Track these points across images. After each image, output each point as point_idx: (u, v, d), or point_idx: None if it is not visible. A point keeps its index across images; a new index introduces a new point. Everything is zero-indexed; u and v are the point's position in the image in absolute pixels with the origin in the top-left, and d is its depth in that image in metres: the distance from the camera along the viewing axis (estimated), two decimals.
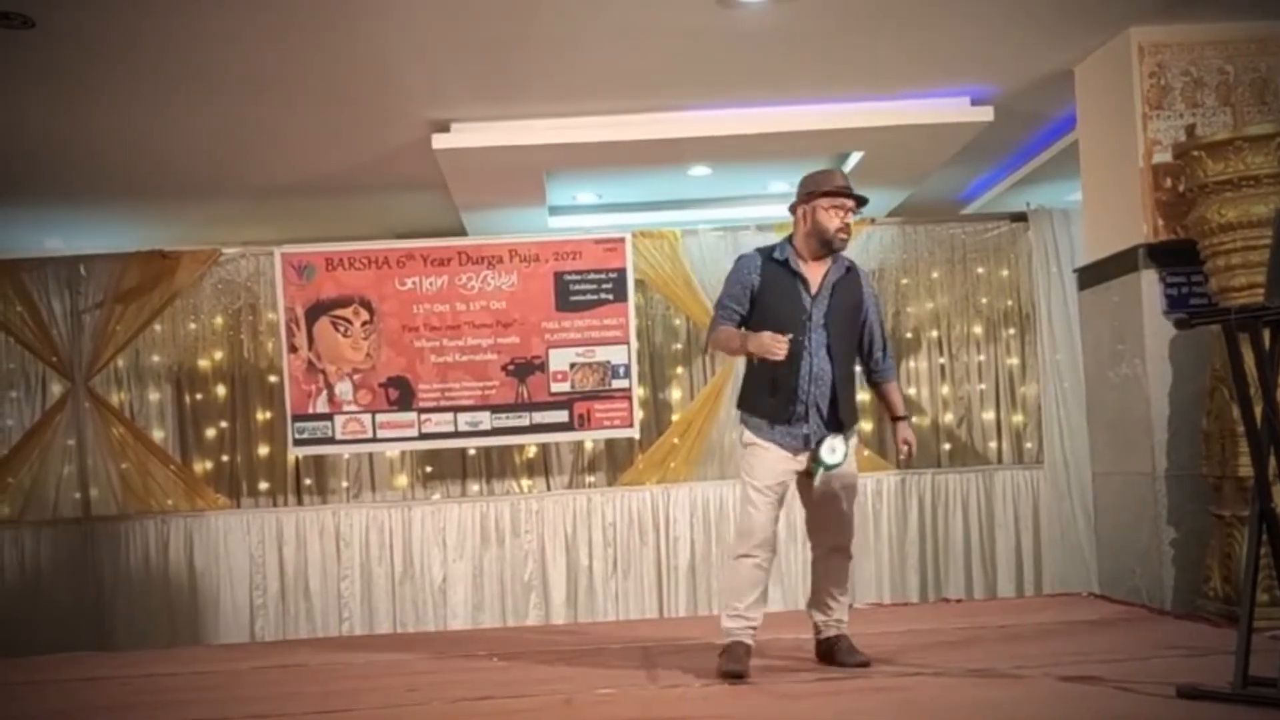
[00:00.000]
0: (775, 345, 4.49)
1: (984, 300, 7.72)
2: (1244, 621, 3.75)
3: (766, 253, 4.78)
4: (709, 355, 7.63)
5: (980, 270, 7.70)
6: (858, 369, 4.95)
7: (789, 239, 4.78)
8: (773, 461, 4.66)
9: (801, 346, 4.60)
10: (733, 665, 4.64)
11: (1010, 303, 7.70)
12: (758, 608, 4.74)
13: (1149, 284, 5.95)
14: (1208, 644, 4.86)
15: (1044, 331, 7.34)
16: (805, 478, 4.72)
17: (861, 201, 4.75)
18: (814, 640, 4.95)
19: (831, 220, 4.64)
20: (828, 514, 4.77)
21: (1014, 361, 7.71)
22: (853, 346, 4.79)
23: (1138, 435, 6.07)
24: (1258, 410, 3.88)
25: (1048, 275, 7.33)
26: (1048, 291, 7.33)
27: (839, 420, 4.65)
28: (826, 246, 4.68)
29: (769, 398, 4.66)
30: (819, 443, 4.59)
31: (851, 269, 4.81)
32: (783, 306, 4.64)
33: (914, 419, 7.75)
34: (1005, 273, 7.68)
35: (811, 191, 4.69)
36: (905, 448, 4.91)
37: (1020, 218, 7.54)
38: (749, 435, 4.73)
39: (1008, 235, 7.62)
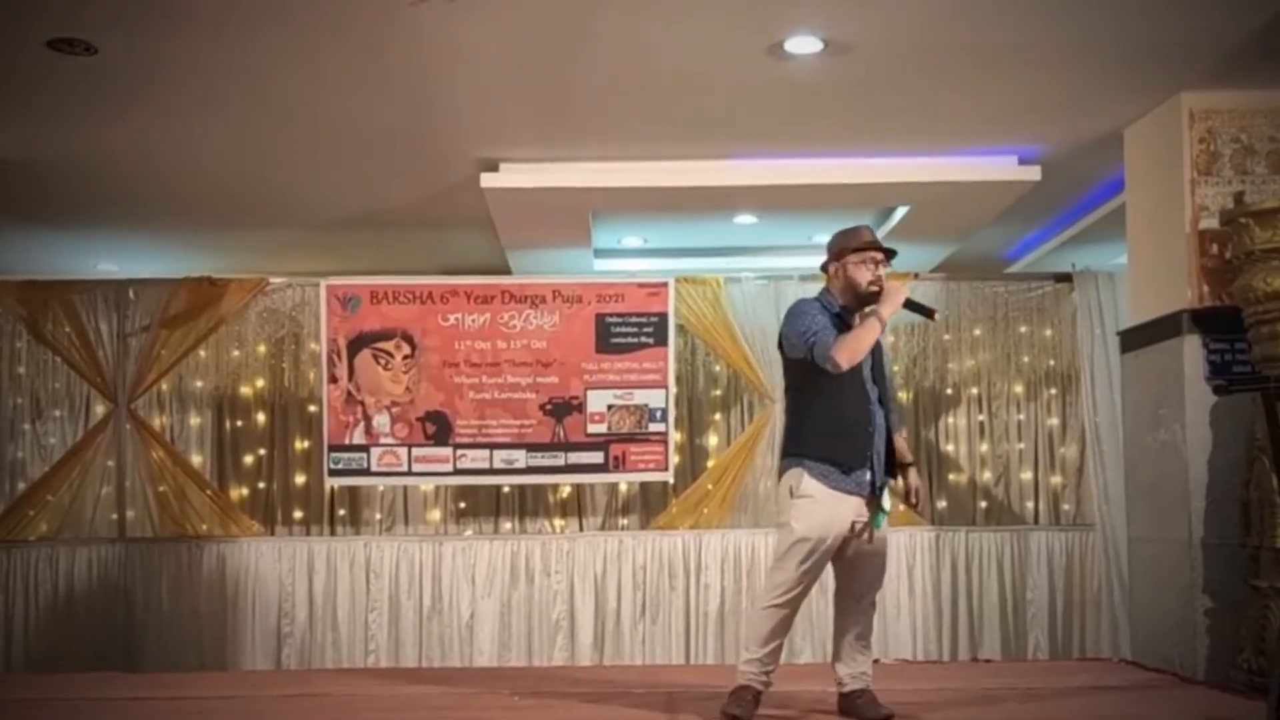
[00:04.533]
0: (901, 292, 4.67)
1: (1025, 359, 7.67)
2: (1274, 692, 3.68)
3: (819, 302, 4.84)
4: (747, 395, 7.59)
5: (1023, 329, 7.66)
6: None
7: (825, 291, 4.88)
8: (831, 515, 4.65)
9: (869, 395, 4.73)
10: (734, 708, 4.65)
11: (1052, 363, 7.64)
12: (774, 658, 4.76)
13: (1192, 349, 5.91)
14: (1237, 715, 4.79)
15: (1085, 393, 7.29)
16: (850, 531, 4.71)
17: (890, 254, 4.83)
18: (837, 694, 4.91)
19: (863, 274, 4.73)
20: (868, 567, 4.81)
21: (1054, 422, 7.64)
22: (887, 400, 4.90)
23: (1176, 501, 5.99)
24: None
25: (1091, 337, 7.28)
26: (1090, 353, 7.28)
27: (890, 466, 4.78)
28: (861, 300, 4.74)
29: (842, 444, 4.68)
30: (882, 488, 4.70)
31: None
32: None
33: (951, 476, 7.72)
34: (1048, 332, 7.63)
35: (842, 249, 4.80)
36: (916, 493, 4.91)
37: (1065, 278, 7.50)
38: (810, 484, 4.66)
39: (1052, 295, 7.58)
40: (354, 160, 6.87)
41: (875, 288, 4.73)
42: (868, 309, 4.70)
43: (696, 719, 4.90)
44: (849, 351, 4.57)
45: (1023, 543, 7.29)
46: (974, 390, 7.72)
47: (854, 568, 4.80)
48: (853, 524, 4.69)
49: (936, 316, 4.82)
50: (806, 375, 4.72)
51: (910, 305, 4.73)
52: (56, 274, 7.68)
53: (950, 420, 7.76)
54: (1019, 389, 7.67)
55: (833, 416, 4.71)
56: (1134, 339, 6.49)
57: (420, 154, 6.76)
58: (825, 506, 4.64)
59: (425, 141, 6.55)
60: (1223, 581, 5.76)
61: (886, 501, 4.67)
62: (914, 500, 4.93)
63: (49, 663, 6.89)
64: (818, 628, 7.01)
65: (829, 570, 4.88)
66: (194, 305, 7.37)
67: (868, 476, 4.68)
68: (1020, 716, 4.94)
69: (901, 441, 4.99)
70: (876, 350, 4.80)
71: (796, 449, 4.78)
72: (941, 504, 7.68)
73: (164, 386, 7.56)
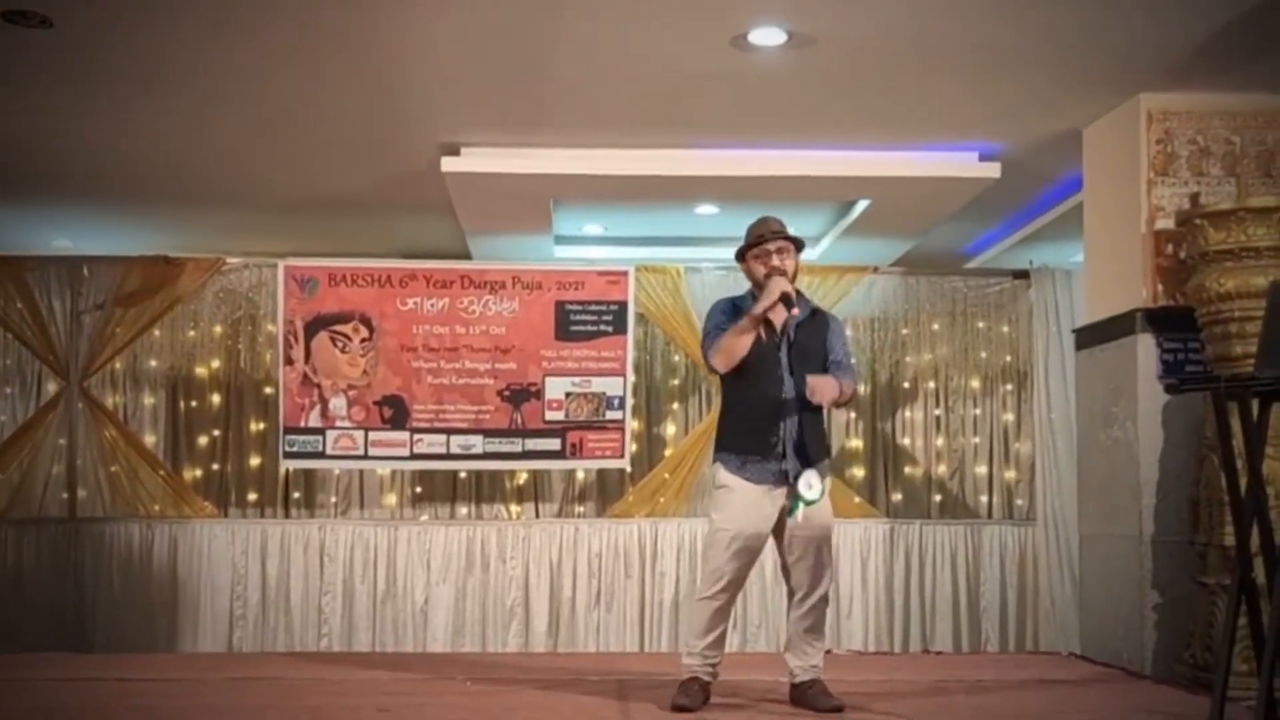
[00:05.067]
0: (782, 284, 4.66)
1: (983, 355, 7.74)
2: (1217, 689, 3.74)
3: (735, 300, 4.98)
4: (705, 384, 7.63)
5: (981, 325, 7.72)
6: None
7: (750, 291, 4.94)
8: (745, 505, 4.73)
9: (780, 385, 4.75)
10: (681, 699, 4.71)
11: (1009, 359, 7.71)
12: (717, 648, 4.83)
13: (1145, 348, 5.96)
14: (1184, 711, 4.84)
15: (1040, 389, 7.35)
16: (780, 524, 4.75)
17: (798, 244, 4.89)
18: (789, 684, 4.93)
19: (758, 268, 4.84)
20: (806, 562, 4.79)
21: (1009, 417, 7.71)
22: None
23: (1126, 499, 6.06)
24: (1243, 480, 3.88)
25: (1047, 334, 7.35)
26: (1046, 350, 7.34)
27: (808, 456, 4.73)
28: (785, 305, 4.77)
29: (746, 435, 4.77)
30: (796, 477, 4.66)
31: (817, 313, 5.00)
32: (757, 349, 4.78)
33: (907, 469, 7.77)
34: (1005, 329, 7.70)
35: (742, 246, 4.95)
36: (812, 391, 4.68)
37: (1023, 275, 7.56)
38: (723, 476, 4.81)
39: (1009, 292, 7.65)
40: (314, 141, 6.81)
41: (775, 277, 4.77)
42: (761, 301, 4.72)
43: (648, 706, 4.91)
44: (723, 354, 4.77)
45: (976, 537, 7.35)
46: (931, 385, 7.78)
47: (794, 564, 4.82)
48: (774, 521, 4.74)
49: (795, 312, 4.76)
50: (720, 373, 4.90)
51: (784, 299, 4.71)
52: (9, 250, 7.57)
53: (907, 414, 7.82)
54: (975, 384, 7.73)
55: (742, 409, 4.84)
56: (1088, 336, 6.55)
57: (381, 136, 6.71)
58: (740, 496, 4.74)
59: (387, 124, 6.51)
60: (1171, 578, 5.83)
61: (806, 489, 4.62)
62: (811, 394, 4.70)
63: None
64: (772, 616, 7.06)
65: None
66: (149, 284, 7.30)
67: (780, 466, 4.72)
68: (968, 708, 4.98)
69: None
70: (809, 338, 4.84)
71: (716, 442, 4.94)
72: (897, 497, 7.75)
73: (118, 365, 7.50)
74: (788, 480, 4.70)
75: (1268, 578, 3.80)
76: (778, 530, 4.79)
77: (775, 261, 4.80)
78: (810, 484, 4.64)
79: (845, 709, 4.74)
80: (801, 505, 4.65)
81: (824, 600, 4.87)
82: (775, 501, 4.73)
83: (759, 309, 4.71)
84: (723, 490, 4.80)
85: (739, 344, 4.74)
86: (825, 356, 4.89)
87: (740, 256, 4.96)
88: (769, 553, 4.99)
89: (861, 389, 7.75)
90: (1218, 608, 5.31)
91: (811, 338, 4.87)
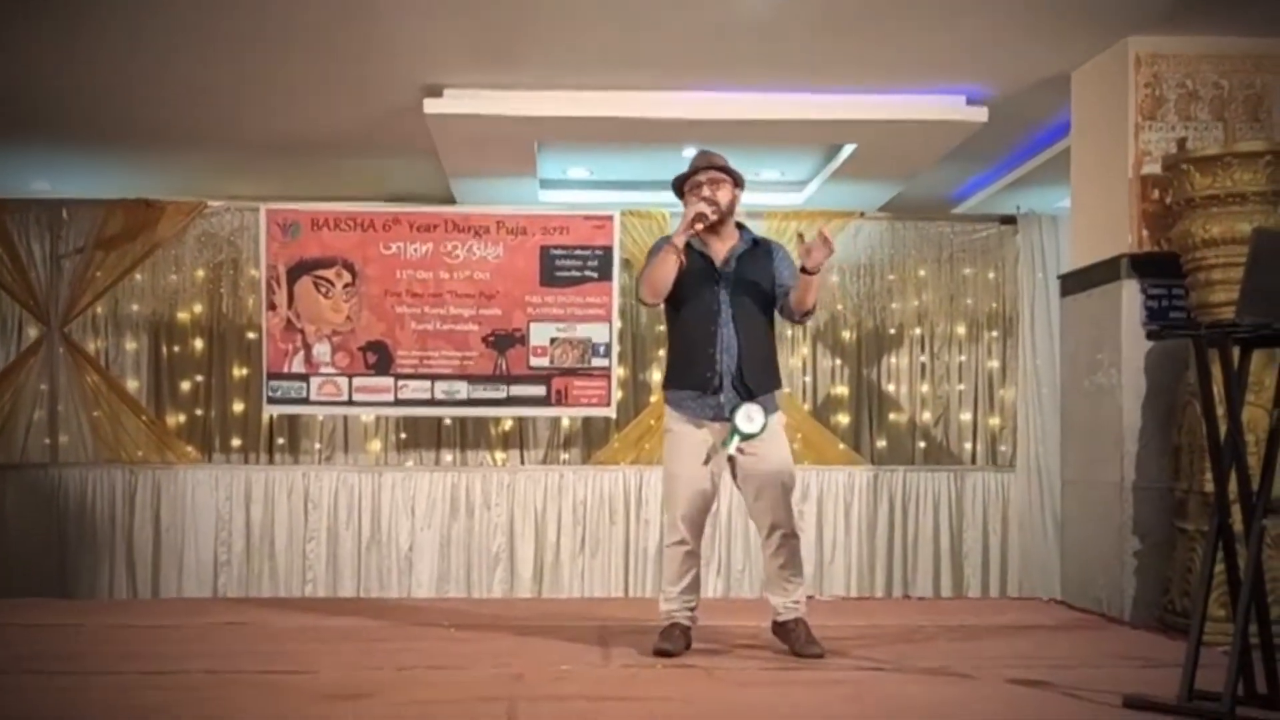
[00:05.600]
0: (696, 205, 4.70)
1: (969, 301, 7.72)
2: (1193, 634, 3.75)
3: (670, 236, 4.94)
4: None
5: (967, 271, 7.69)
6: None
7: None
8: (692, 446, 4.78)
9: (715, 317, 4.77)
10: (664, 644, 4.78)
11: (995, 305, 7.69)
12: (692, 591, 4.88)
13: (1130, 294, 5.94)
14: (1161, 656, 4.87)
15: (1026, 336, 7.34)
16: (735, 464, 4.79)
17: (733, 176, 4.91)
18: (771, 622, 4.98)
19: (693, 203, 4.82)
20: (763, 500, 4.83)
21: (994, 364, 7.71)
22: (761, 316, 4.89)
23: (1108, 445, 6.06)
24: (1223, 427, 3.87)
25: (1033, 280, 7.33)
26: (1031, 296, 7.33)
27: (748, 389, 4.74)
28: (702, 224, 4.77)
29: (688, 369, 4.81)
30: (733, 410, 4.67)
31: (760, 243, 4.98)
32: (693, 282, 4.79)
33: (891, 416, 7.77)
34: (991, 275, 7.67)
35: (675, 185, 4.99)
36: (809, 252, 4.65)
37: (1010, 221, 7.53)
38: (668, 419, 4.87)
39: (996, 238, 7.62)
40: (295, 81, 6.70)
41: (707, 208, 4.78)
42: (681, 225, 4.75)
43: (630, 651, 4.93)
44: (647, 285, 4.81)
45: (959, 483, 7.36)
46: (916, 331, 7.76)
47: (752, 502, 4.87)
48: (726, 460, 4.77)
49: (713, 214, 4.76)
50: (664, 307, 4.95)
51: (697, 217, 4.73)
52: None
53: (892, 360, 7.81)
54: (961, 330, 7.72)
55: (680, 345, 4.90)
56: (1074, 283, 6.52)
57: (363, 76, 6.60)
58: (684, 438, 4.80)
59: (368, 63, 6.40)
60: (1151, 525, 5.84)
61: (745, 422, 4.62)
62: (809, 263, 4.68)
63: None
64: (755, 562, 7.07)
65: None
66: (130, 227, 7.25)
67: (719, 399, 4.74)
68: (946, 653, 5.00)
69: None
70: (749, 269, 4.82)
71: (663, 382, 5.00)
72: (881, 443, 7.75)
73: (99, 310, 7.46)
74: (725, 415, 4.72)
75: (1244, 524, 3.81)
76: (735, 471, 4.82)
77: (706, 192, 4.81)
78: (750, 416, 4.64)
79: (827, 655, 4.78)
80: (737, 438, 4.67)
81: (790, 537, 4.88)
82: (715, 436, 4.77)
83: (677, 235, 4.72)
84: (669, 435, 4.87)
85: (659, 271, 4.74)
86: (772, 285, 4.87)
87: (678, 192, 4.97)
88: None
89: (846, 336, 7.74)
90: (1197, 554, 5.32)
91: (752, 268, 4.86)
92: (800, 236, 4.89)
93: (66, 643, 5.27)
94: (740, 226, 4.99)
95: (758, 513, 4.88)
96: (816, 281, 4.73)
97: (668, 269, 4.71)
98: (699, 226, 4.74)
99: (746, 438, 4.68)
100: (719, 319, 4.77)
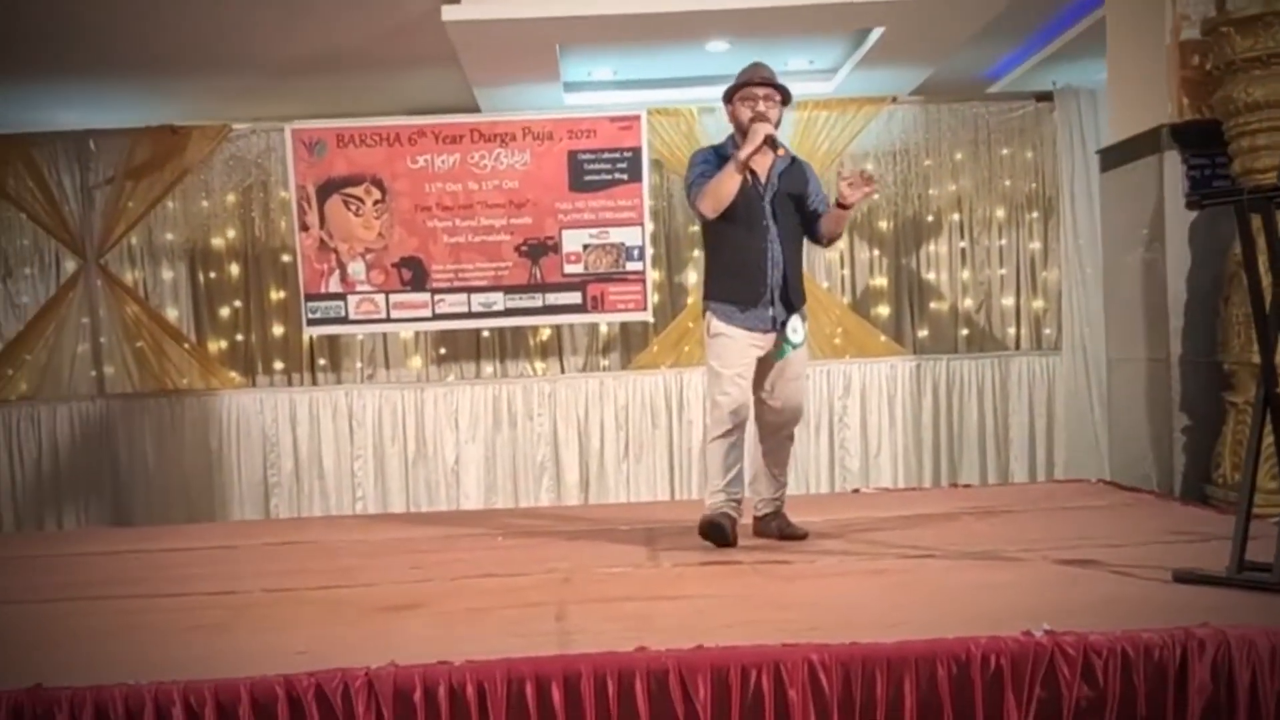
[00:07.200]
0: (764, 127, 4.65)
1: (1007, 183, 7.58)
2: (1242, 505, 3.70)
3: (716, 148, 4.95)
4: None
5: (1004, 152, 7.55)
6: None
7: (732, 136, 4.89)
8: (741, 348, 4.83)
9: (765, 233, 4.79)
10: (715, 532, 4.81)
11: (1034, 185, 7.55)
12: (738, 484, 4.91)
13: (1171, 166, 5.79)
14: (1211, 530, 4.80)
15: (1067, 215, 7.22)
16: (762, 368, 4.87)
17: (784, 93, 4.83)
18: (753, 518, 5.05)
19: (743, 113, 4.78)
20: (789, 402, 4.94)
21: (1036, 246, 7.59)
22: (799, 232, 4.94)
23: (1154, 321, 5.96)
24: (1268, 295, 3.77)
25: (1072, 158, 7.18)
26: (1071, 174, 7.19)
27: (791, 302, 4.84)
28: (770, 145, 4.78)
29: (738, 283, 4.83)
30: (783, 324, 4.81)
31: (796, 161, 4.98)
32: (741, 199, 4.77)
33: (933, 304, 7.68)
34: (1029, 154, 7.52)
35: (728, 90, 4.88)
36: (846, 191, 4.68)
37: (1046, 97, 7.36)
38: (717, 324, 4.87)
39: (1032, 116, 7.46)
40: None
41: (760, 124, 4.73)
42: (745, 147, 4.67)
43: (676, 552, 4.94)
44: (710, 199, 4.74)
45: (1004, 369, 7.30)
46: (955, 216, 7.64)
47: (776, 402, 4.94)
48: (759, 358, 4.85)
49: (782, 152, 4.84)
50: (705, 221, 4.90)
51: (769, 141, 4.71)
52: (12, 127, 7.47)
53: (931, 248, 7.70)
54: (1000, 213, 7.60)
55: (727, 257, 4.88)
56: (1113, 157, 6.36)
57: None
58: (737, 343, 4.83)
59: None
60: (1199, 399, 5.76)
61: (793, 334, 4.79)
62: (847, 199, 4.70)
63: (38, 520, 6.94)
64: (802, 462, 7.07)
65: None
66: (157, 155, 7.25)
67: (769, 313, 4.81)
68: (995, 537, 4.97)
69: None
70: (790, 185, 4.84)
71: (705, 292, 4.98)
72: (923, 333, 7.68)
73: (133, 240, 7.48)
74: (774, 327, 4.82)
75: None
76: (759, 374, 4.90)
77: (761, 108, 4.77)
78: (795, 329, 4.82)
79: (808, 535, 4.90)
80: (790, 349, 4.83)
81: (791, 439, 5.05)
82: (763, 347, 4.85)
83: (745, 152, 4.67)
84: (719, 339, 4.87)
85: (726, 187, 4.73)
86: (806, 204, 4.91)
87: (728, 98, 4.91)
88: None
89: (883, 226, 7.64)
90: (1247, 426, 5.24)
91: (792, 185, 4.88)
92: (841, 170, 4.87)
93: (126, 568, 5.33)
94: (779, 143, 4.98)
95: (771, 414, 4.97)
96: (848, 216, 4.85)
97: (734, 186, 4.72)
98: (765, 150, 4.75)
99: (795, 348, 4.83)
100: (768, 235, 4.80)
